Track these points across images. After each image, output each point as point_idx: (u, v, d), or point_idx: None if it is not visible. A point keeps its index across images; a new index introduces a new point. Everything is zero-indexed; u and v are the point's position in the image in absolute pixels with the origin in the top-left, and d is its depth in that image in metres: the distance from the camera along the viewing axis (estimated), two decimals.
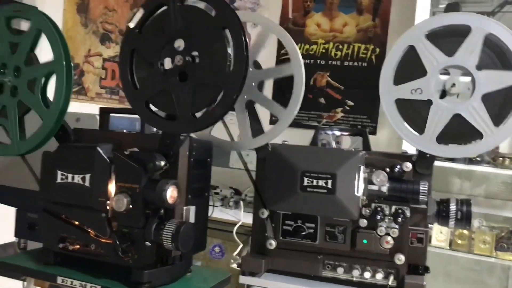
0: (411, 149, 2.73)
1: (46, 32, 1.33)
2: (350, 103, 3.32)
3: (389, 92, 1.41)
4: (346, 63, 3.33)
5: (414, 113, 1.40)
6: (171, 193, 1.21)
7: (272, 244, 1.50)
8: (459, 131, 1.36)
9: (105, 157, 1.26)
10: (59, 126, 1.34)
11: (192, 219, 1.32)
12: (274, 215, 1.51)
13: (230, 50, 1.18)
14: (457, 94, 1.37)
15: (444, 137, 1.36)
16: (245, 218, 2.87)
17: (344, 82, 3.31)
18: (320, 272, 1.49)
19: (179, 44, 1.20)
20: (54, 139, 1.38)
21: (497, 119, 1.33)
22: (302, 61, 1.48)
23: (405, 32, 1.41)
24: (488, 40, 1.31)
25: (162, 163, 1.23)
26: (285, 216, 1.49)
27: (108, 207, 1.26)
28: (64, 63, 1.32)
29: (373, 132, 3.23)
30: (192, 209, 1.33)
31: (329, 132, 1.59)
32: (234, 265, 1.78)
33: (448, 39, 1.37)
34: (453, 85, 1.36)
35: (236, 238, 2.40)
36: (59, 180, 1.30)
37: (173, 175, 1.27)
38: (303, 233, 1.47)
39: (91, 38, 3.17)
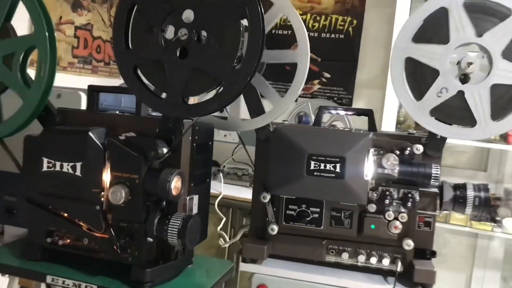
0: (390, 123, 2.63)
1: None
2: (327, 75, 3.15)
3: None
4: (323, 35, 3.13)
5: (419, 77, 1.25)
6: (175, 184, 1.03)
7: (274, 229, 1.34)
8: (455, 110, 1.23)
9: (98, 143, 1.06)
10: (43, 106, 1.12)
11: (195, 210, 1.15)
12: (275, 199, 1.35)
13: (242, 43, 0.99)
14: (470, 73, 1.23)
15: (438, 112, 1.23)
16: (224, 190, 2.71)
17: (321, 54, 3.12)
18: (323, 257, 1.36)
19: (188, 16, 0.99)
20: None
21: (496, 113, 1.20)
22: (309, 51, 1.30)
23: (393, 47, 1.25)
24: None
25: (165, 150, 1.04)
26: (288, 200, 1.33)
27: (102, 199, 1.07)
28: (47, 35, 1.09)
29: (349, 104, 3.09)
30: (195, 198, 1.15)
31: (333, 112, 1.42)
32: (221, 242, 1.63)
33: (484, 16, 1.20)
34: (470, 64, 1.21)
35: (218, 211, 2.25)
36: (45, 168, 1.09)
37: (176, 163, 1.09)
38: (308, 218, 1.32)
39: (62, 4, 2.85)
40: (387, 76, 2.75)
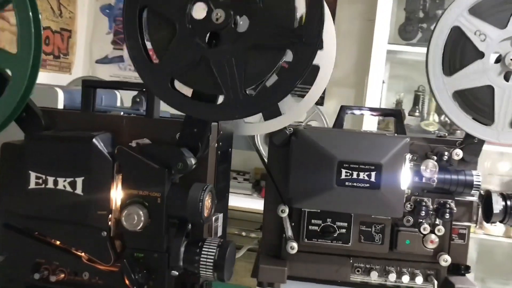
0: (372, 123, 2.53)
1: None
2: None
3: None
4: None
5: (478, 102, 1.12)
6: (205, 203, 0.83)
7: (294, 247, 1.17)
8: (477, 101, 1.11)
9: (105, 152, 0.84)
10: (26, 100, 0.88)
11: (219, 231, 0.95)
12: (293, 212, 1.18)
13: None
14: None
15: (460, 96, 1.11)
16: None
17: None
18: (348, 277, 1.20)
19: None
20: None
21: None
22: (335, 53, 1.14)
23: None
24: None
25: (193, 161, 0.84)
26: (310, 214, 1.17)
27: (110, 223, 0.85)
28: None
29: (321, 103, 2.97)
30: (220, 217, 0.95)
31: (357, 112, 1.27)
32: None
33: (496, 8, 1.10)
34: None
35: None
36: (32, 186, 0.86)
37: (201, 176, 0.89)
38: (335, 235, 1.16)
39: None
40: (364, 75, 2.65)
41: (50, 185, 0.85)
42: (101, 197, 0.84)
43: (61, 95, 1.20)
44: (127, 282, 0.84)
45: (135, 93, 1.48)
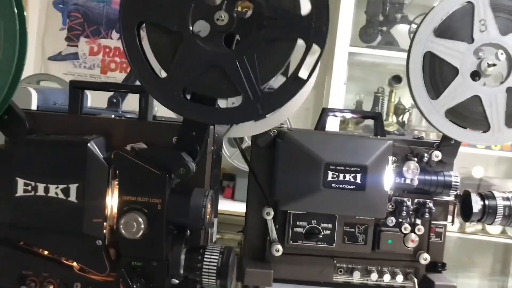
0: (334, 125, 2.56)
1: None
2: None
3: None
4: None
5: (439, 72, 1.15)
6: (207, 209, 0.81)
7: (279, 249, 1.16)
8: (470, 113, 1.16)
9: (100, 158, 0.80)
10: (9, 101, 0.83)
11: (215, 237, 0.93)
12: (278, 215, 1.18)
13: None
14: (488, 75, 1.16)
15: (453, 114, 1.15)
16: None
17: None
18: (331, 277, 1.21)
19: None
20: None
21: (510, 119, 1.14)
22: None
23: None
24: None
25: (193, 165, 0.81)
26: (296, 216, 1.17)
27: (105, 231, 0.81)
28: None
29: None
30: (215, 223, 0.93)
31: (339, 114, 1.28)
32: None
33: (508, 16, 1.14)
34: (491, 65, 1.14)
35: None
36: (20, 193, 0.80)
37: (199, 180, 0.86)
38: (320, 236, 1.17)
39: None
40: (324, 76, 2.67)
41: (41, 192, 0.80)
42: (97, 204, 0.80)
43: (34, 95, 1.14)
44: None
45: (107, 94, 1.42)
